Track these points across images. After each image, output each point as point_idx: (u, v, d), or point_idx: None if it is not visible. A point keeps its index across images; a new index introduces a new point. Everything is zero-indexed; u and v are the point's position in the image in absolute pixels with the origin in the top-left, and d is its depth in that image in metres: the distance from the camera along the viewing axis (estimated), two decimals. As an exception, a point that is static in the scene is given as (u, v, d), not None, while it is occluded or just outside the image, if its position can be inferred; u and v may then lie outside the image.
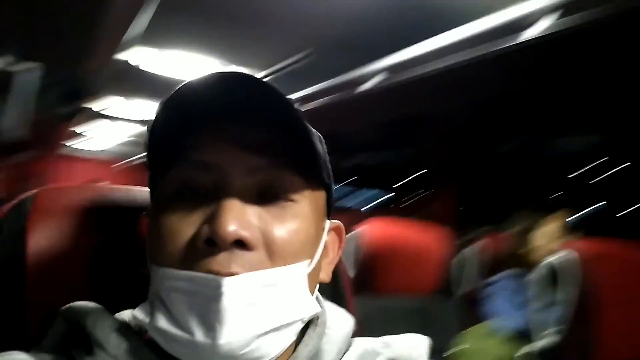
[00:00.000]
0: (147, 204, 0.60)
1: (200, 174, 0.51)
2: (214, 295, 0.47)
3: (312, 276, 0.54)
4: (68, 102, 3.66)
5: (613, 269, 1.32)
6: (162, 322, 0.49)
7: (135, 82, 3.49)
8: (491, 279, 2.00)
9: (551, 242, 1.86)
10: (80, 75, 3.19)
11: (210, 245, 0.48)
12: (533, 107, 2.60)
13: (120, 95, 4.09)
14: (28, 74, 2.70)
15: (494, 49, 1.85)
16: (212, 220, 0.48)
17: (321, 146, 0.56)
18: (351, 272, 1.92)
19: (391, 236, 1.96)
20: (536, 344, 1.39)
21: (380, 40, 2.27)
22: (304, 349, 0.55)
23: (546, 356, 1.37)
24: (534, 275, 1.49)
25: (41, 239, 0.63)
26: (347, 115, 3.01)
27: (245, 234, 0.48)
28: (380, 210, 6.41)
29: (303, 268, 0.53)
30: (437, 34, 2.05)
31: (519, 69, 2.06)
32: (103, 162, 8.22)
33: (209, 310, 0.47)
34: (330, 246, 0.61)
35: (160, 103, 0.50)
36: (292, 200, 0.53)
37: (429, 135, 3.12)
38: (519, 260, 1.92)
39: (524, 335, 1.61)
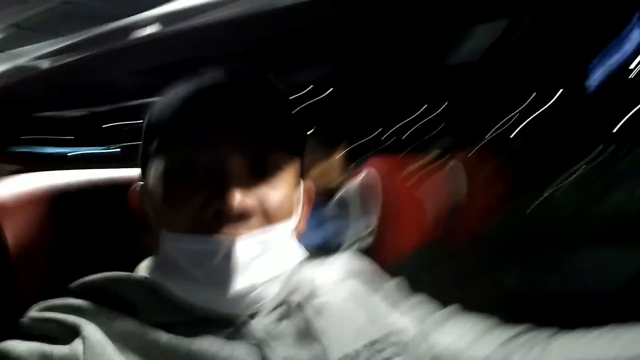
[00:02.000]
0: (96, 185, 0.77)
1: (204, 153, 0.60)
2: (228, 253, 0.58)
3: (295, 229, 0.68)
4: None
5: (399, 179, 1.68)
6: (176, 278, 0.61)
7: None
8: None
9: (334, 172, 2.08)
10: None
11: (218, 216, 0.58)
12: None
13: None
14: None
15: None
16: (221, 194, 0.58)
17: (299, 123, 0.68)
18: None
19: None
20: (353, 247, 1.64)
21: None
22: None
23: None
24: (340, 198, 1.71)
25: (16, 226, 0.67)
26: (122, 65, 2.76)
27: (248, 204, 0.59)
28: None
29: (291, 224, 0.65)
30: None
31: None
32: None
33: (222, 265, 0.58)
34: (304, 203, 0.72)
35: (174, 99, 0.63)
36: (279, 171, 0.64)
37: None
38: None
39: (322, 250, 1.69)
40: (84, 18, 2.44)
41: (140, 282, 0.65)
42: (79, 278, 0.65)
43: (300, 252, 0.67)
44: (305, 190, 0.73)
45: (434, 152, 2.30)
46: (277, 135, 0.63)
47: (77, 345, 0.56)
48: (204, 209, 0.59)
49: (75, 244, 0.72)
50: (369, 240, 1.65)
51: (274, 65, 3.17)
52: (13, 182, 0.71)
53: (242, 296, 0.60)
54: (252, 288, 0.60)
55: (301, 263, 0.70)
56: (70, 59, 2.69)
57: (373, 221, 1.64)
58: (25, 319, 0.61)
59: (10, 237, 0.66)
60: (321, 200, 2.07)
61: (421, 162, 1.81)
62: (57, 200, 0.72)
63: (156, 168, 0.64)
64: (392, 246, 1.63)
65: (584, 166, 2.82)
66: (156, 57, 2.60)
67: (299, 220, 0.69)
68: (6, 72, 3.13)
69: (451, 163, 1.98)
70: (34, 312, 0.61)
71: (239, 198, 0.58)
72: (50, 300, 0.63)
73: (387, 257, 1.60)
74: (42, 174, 0.74)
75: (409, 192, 1.62)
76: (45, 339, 0.58)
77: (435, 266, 1.71)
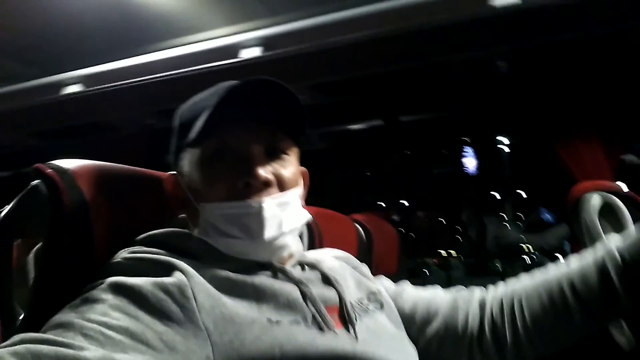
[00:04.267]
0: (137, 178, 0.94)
1: (232, 142, 0.80)
2: (258, 212, 0.77)
3: (299, 198, 0.86)
4: None
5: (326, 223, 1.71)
6: (217, 237, 0.79)
7: None
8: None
9: None
10: None
11: (247, 187, 0.78)
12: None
13: None
14: None
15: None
16: (248, 171, 0.78)
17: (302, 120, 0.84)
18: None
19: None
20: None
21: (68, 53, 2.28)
22: (296, 247, 0.89)
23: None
24: None
25: (97, 202, 0.83)
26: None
27: (269, 177, 0.80)
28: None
29: (297, 192, 0.85)
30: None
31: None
32: None
33: (254, 221, 0.77)
34: (303, 182, 0.91)
35: (203, 102, 0.82)
36: (287, 154, 0.85)
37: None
38: None
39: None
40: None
41: (197, 238, 0.81)
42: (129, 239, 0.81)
43: (306, 215, 0.87)
44: (302, 172, 0.92)
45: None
46: (285, 129, 0.84)
47: (179, 276, 0.70)
48: (236, 182, 0.78)
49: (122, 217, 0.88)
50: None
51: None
52: (71, 162, 0.85)
53: (270, 244, 0.79)
54: (277, 237, 0.79)
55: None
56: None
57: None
58: (118, 259, 0.75)
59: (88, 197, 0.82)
60: None
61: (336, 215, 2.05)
62: (109, 178, 0.89)
63: (191, 157, 0.83)
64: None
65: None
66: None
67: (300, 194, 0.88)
68: None
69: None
70: (124, 255, 0.76)
71: (262, 172, 0.78)
72: (129, 248, 0.78)
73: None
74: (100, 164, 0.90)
75: (331, 238, 1.80)
76: (142, 273, 0.70)
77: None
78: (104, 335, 0.59)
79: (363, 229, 2.22)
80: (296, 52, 2.07)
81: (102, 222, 0.83)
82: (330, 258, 0.98)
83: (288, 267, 0.84)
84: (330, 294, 0.83)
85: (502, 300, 0.90)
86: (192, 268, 0.73)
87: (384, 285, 1.02)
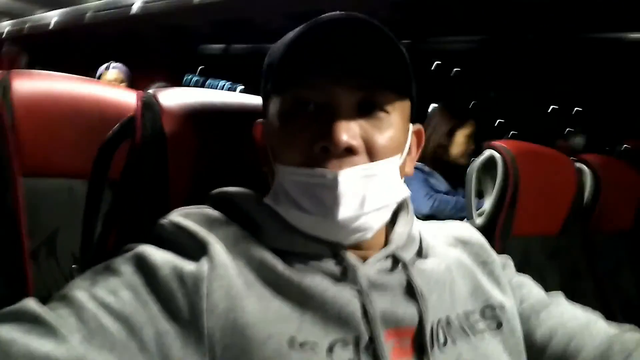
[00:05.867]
0: (251, 109, 0.82)
1: (314, 93, 0.64)
2: (332, 185, 0.61)
3: (401, 169, 0.68)
4: None
5: (530, 163, 1.55)
6: (288, 207, 0.65)
7: None
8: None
9: (464, 145, 2.25)
10: None
11: (325, 152, 0.62)
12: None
13: None
14: None
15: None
16: (328, 132, 0.61)
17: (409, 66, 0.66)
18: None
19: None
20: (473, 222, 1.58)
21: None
22: (400, 229, 0.73)
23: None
24: (472, 168, 1.63)
25: (175, 134, 0.75)
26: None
27: (353, 142, 0.62)
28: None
29: (395, 161, 0.66)
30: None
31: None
32: None
33: (328, 195, 0.62)
34: (412, 146, 0.73)
35: (286, 40, 0.66)
36: (386, 112, 0.65)
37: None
38: (435, 154, 2.25)
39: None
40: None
41: (267, 206, 0.69)
42: (209, 189, 0.73)
43: (403, 190, 0.69)
44: (415, 133, 0.73)
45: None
46: (384, 76, 0.64)
47: (203, 265, 0.60)
48: (312, 145, 0.63)
49: (211, 157, 0.80)
50: (478, 221, 1.58)
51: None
52: (173, 94, 0.80)
53: (346, 224, 0.63)
54: (355, 218, 0.63)
55: (416, 222, 0.76)
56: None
57: (486, 203, 1.58)
58: (166, 221, 0.67)
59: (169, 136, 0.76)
60: (435, 172, 2.26)
61: (549, 154, 1.73)
62: (205, 116, 0.80)
63: (273, 106, 0.69)
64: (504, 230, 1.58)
65: None
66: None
67: (405, 161, 0.70)
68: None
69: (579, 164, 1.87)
70: (174, 216, 0.68)
71: (344, 136, 0.60)
72: (191, 206, 0.70)
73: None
74: (191, 90, 0.83)
75: (533, 180, 1.56)
76: (177, 246, 0.64)
77: (550, 258, 1.69)
78: (97, 323, 0.54)
79: (590, 174, 1.86)
80: None
81: (180, 163, 0.76)
82: (446, 247, 0.77)
83: (371, 260, 0.68)
84: (409, 310, 0.66)
85: None
86: (242, 248, 0.64)
87: (522, 294, 0.79)
